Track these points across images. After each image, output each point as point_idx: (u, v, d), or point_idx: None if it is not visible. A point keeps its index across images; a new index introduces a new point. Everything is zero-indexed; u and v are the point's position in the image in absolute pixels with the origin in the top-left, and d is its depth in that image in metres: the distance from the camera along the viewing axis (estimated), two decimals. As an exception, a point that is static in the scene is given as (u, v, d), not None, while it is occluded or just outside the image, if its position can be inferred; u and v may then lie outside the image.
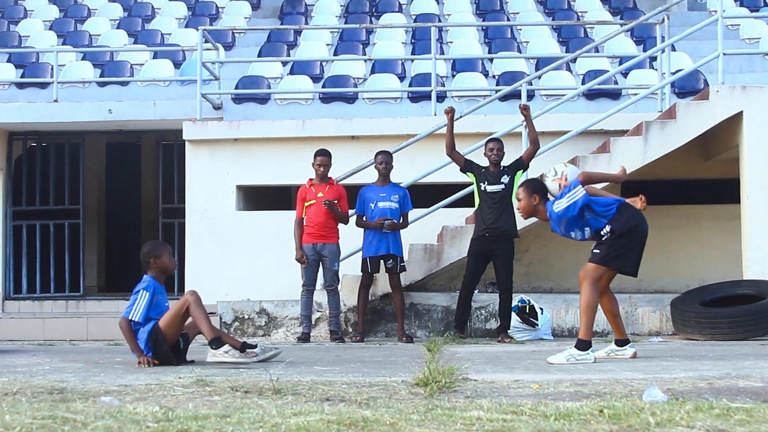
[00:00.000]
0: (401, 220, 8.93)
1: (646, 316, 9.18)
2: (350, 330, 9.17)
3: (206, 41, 11.40)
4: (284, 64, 13.14)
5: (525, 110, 8.63)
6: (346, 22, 15.04)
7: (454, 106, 8.92)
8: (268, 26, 14.66)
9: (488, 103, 10.37)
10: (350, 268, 9.21)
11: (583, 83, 11.41)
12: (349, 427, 3.34)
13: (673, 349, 7.17)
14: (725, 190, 10.18)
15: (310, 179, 8.98)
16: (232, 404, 4.04)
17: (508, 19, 14.99)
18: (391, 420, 3.43)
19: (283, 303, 9.45)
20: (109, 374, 5.50)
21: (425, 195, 9.91)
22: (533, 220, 8.33)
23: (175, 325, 6.16)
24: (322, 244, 8.78)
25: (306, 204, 8.86)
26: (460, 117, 9.55)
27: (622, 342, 6.43)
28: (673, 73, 10.45)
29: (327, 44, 14.06)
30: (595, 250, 6.17)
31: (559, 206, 6.17)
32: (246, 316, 9.45)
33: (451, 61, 12.87)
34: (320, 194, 8.82)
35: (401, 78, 12.62)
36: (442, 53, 13.06)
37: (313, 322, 9.05)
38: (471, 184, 8.87)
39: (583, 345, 6.05)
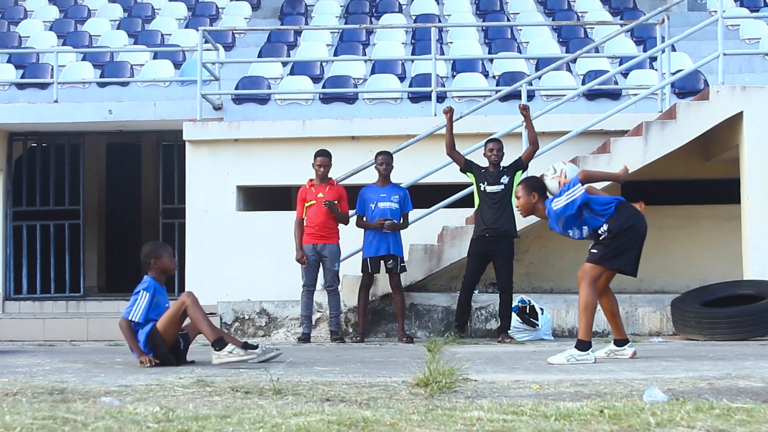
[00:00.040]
0: (401, 221, 8.93)
1: (647, 317, 9.18)
2: (350, 330, 9.17)
3: (206, 42, 11.39)
4: (284, 64, 13.13)
5: (525, 110, 8.64)
6: (346, 23, 15.04)
7: (453, 107, 8.92)
8: (268, 27, 14.64)
9: (488, 103, 10.36)
10: (350, 269, 9.21)
11: (583, 83, 11.42)
12: (350, 427, 3.34)
13: (674, 350, 7.17)
14: (725, 190, 10.17)
15: (311, 180, 8.98)
16: (233, 405, 4.04)
17: (508, 20, 14.99)
18: (391, 420, 3.43)
19: (283, 303, 9.45)
20: (109, 375, 5.51)
21: (425, 195, 9.91)
22: (533, 220, 8.36)
23: (173, 327, 6.16)
24: (322, 244, 8.79)
25: (306, 204, 8.86)
26: (460, 117, 9.56)
27: (621, 342, 6.43)
28: (673, 74, 10.44)
29: (327, 45, 14.06)
30: (592, 250, 6.15)
31: (557, 204, 6.15)
32: (246, 317, 9.46)
33: (451, 61, 12.87)
34: (320, 195, 8.82)
35: (401, 78, 12.62)
36: (442, 53, 13.06)
37: (313, 323, 9.05)
38: (471, 184, 8.87)
39: (583, 345, 6.04)
